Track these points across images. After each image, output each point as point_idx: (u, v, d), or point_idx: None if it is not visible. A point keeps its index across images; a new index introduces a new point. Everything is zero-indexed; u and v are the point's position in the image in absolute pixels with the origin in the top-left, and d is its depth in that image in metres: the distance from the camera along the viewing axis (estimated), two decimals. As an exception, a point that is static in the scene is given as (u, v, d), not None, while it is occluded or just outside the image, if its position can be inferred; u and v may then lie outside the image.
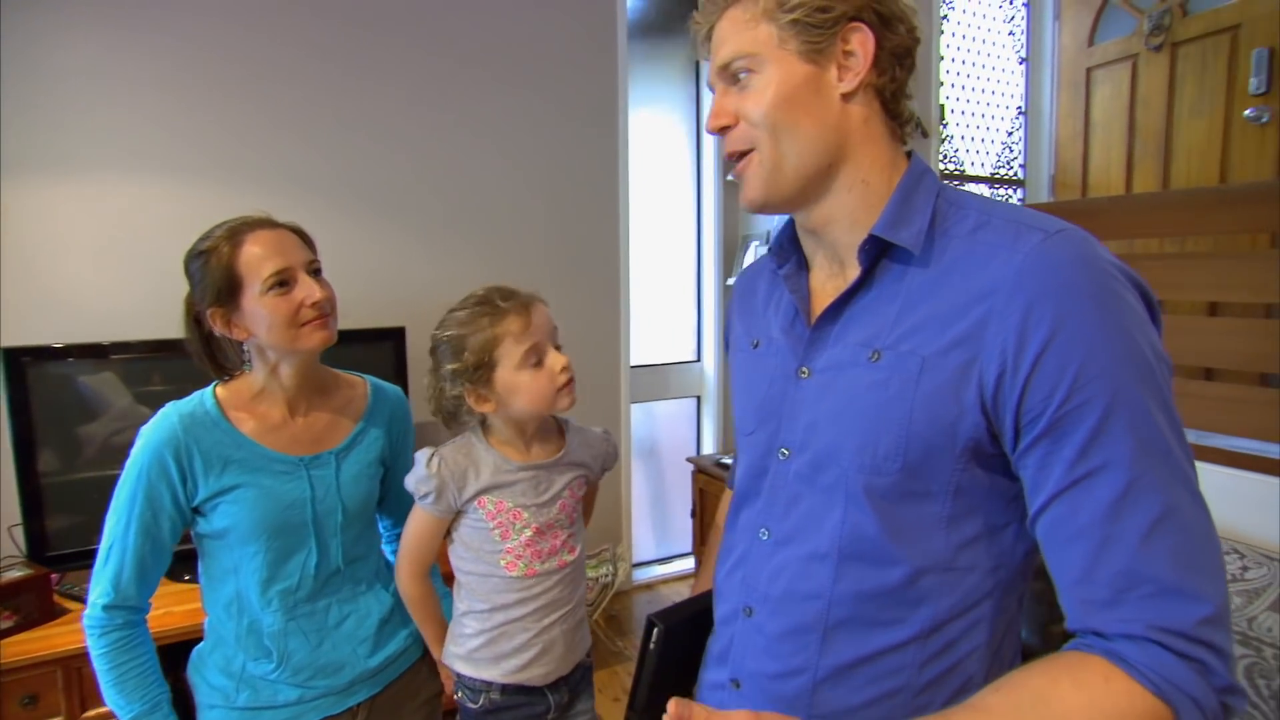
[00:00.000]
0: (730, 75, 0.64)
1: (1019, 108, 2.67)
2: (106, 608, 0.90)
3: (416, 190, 2.28)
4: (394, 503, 1.14)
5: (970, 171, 2.63)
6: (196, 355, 0.99)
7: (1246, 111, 2.03)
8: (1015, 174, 2.73)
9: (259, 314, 0.91)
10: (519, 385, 0.94)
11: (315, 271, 0.96)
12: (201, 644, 1.02)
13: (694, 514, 2.78)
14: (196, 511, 0.95)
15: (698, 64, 2.95)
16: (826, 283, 0.69)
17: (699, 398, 3.17)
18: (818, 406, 0.65)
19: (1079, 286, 0.52)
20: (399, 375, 2.07)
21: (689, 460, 2.80)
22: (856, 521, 0.61)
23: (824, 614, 0.63)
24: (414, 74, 2.23)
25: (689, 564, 2.98)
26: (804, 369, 0.67)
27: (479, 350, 0.93)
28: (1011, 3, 2.69)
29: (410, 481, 0.97)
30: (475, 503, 0.96)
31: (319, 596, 1.00)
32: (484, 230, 2.40)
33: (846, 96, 0.62)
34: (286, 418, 1.00)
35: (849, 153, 0.63)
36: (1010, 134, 2.72)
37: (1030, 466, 0.55)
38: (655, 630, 0.78)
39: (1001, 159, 2.72)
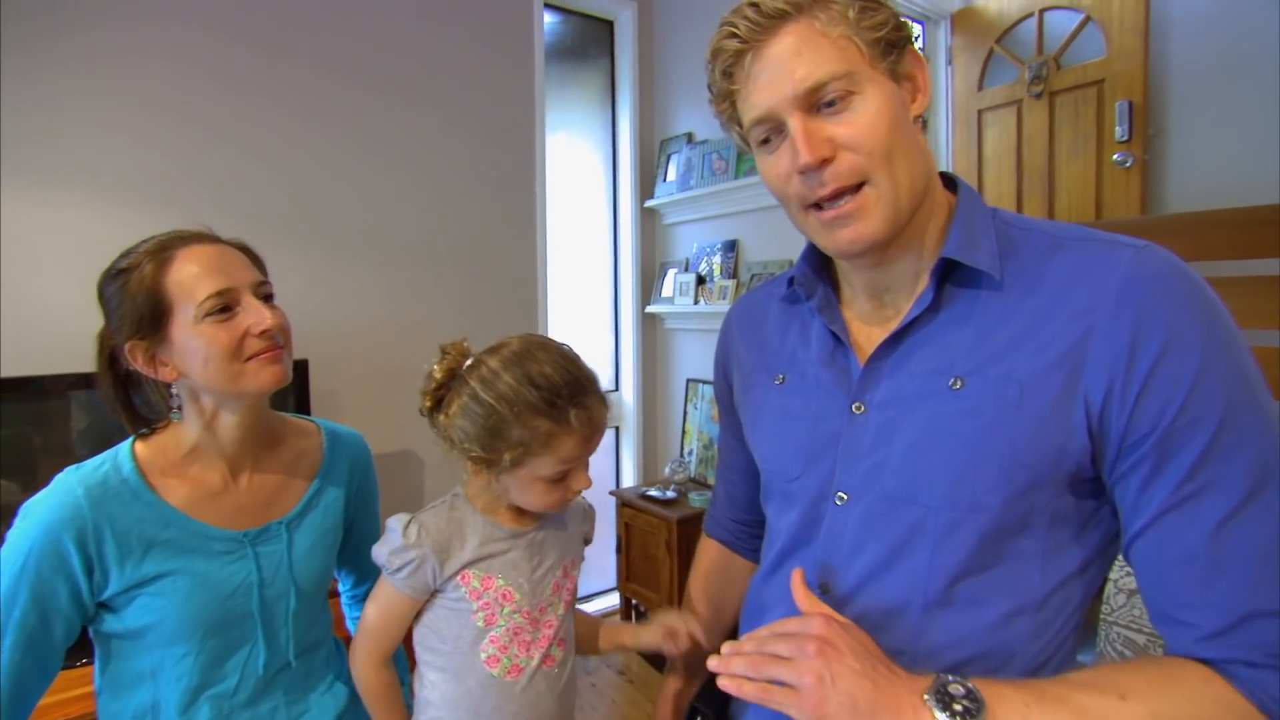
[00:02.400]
0: (816, 100, 0.57)
1: (918, 144, 2.91)
2: None
3: (322, 217, 2.15)
4: (354, 557, 1.00)
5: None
6: (109, 402, 0.82)
7: (1114, 156, 2.32)
8: (916, 206, 2.97)
9: (192, 346, 0.76)
10: (530, 490, 0.81)
11: (265, 296, 0.82)
12: None
13: (619, 549, 2.74)
14: (103, 606, 0.77)
15: (614, 89, 2.99)
16: (870, 313, 0.67)
17: (617, 428, 3.16)
18: (887, 444, 0.61)
19: (1186, 298, 0.52)
20: (301, 408, 1.92)
21: (611, 493, 2.77)
22: (947, 564, 0.57)
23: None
24: (322, 95, 2.12)
25: (613, 599, 2.93)
26: (859, 404, 0.63)
27: (518, 450, 0.77)
28: (909, 47, 2.96)
29: (381, 552, 0.82)
30: (458, 578, 0.82)
31: (262, 699, 0.84)
32: (395, 259, 2.29)
33: (915, 119, 0.61)
34: (227, 481, 0.83)
35: (931, 176, 0.62)
36: (911, 169, 2.96)
37: (1133, 486, 0.53)
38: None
39: (904, 192, 2.94)
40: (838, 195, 0.58)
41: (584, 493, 0.98)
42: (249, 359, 0.78)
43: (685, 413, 2.90)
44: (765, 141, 0.62)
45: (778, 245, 2.45)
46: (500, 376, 0.78)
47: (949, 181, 0.66)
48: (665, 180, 2.90)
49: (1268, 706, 0.47)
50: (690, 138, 2.79)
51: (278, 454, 0.89)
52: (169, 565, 0.77)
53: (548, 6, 2.66)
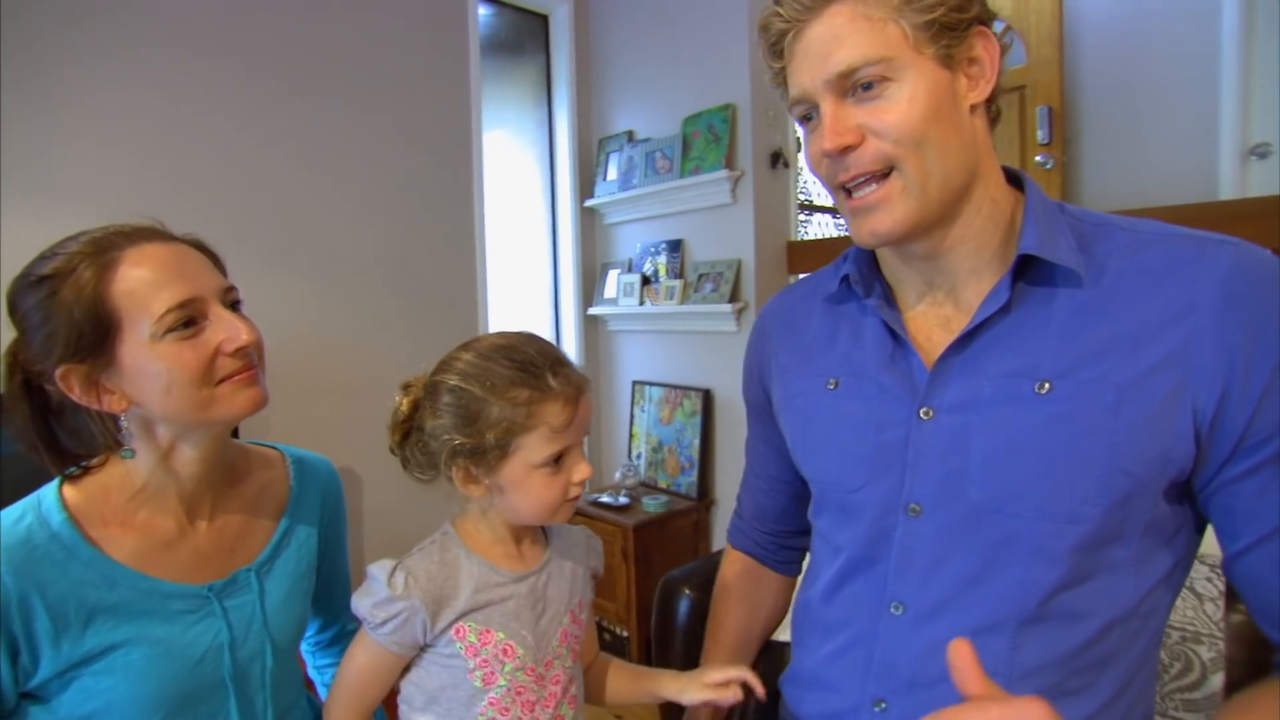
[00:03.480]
0: (851, 84, 0.56)
1: (851, 145, 2.99)
2: None
3: (243, 222, 1.99)
4: (323, 598, 0.88)
5: (818, 202, 2.89)
6: (25, 439, 0.66)
7: (1037, 157, 2.46)
8: (851, 206, 3.05)
9: (151, 371, 0.63)
10: (528, 486, 0.72)
11: (233, 304, 0.70)
12: None
13: (569, 559, 2.67)
14: (30, 697, 0.64)
15: (549, 84, 2.92)
16: (926, 312, 0.64)
17: (561, 434, 3.09)
18: (963, 451, 0.58)
19: None
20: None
21: (560, 502, 2.71)
22: (1040, 579, 0.55)
23: None
24: (242, 93, 1.96)
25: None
26: (926, 409, 0.60)
27: (501, 428, 0.70)
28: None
29: (363, 605, 0.71)
30: (451, 632, 0.72)
31: None
32: (323, 264, 2.15)
33: (974, 107, 0.58)
34: (183, 526, 0.71)
35: (980, 169, 0.59)
36: (847, 169, 3.03)
37: (1248, 492, 0.52)
38: None
39: (841, 192, 3.02)
40: (863, 180, 0.58)
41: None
42: (221, 382, 0.66)
43: (632, 415, 2.86)
44: (807, 119, 0.61)
45: (725, 244, 2.45)
46: (473, 362, 0.72)
47: (1013, 178, 0.64)
48: (605, 179, 2.86)
49: None
50: (631, 136, 2.76)
51: (239, 490, 0.77)
52: (119, 635, 0.64)
53: (481, -2, 2.57)
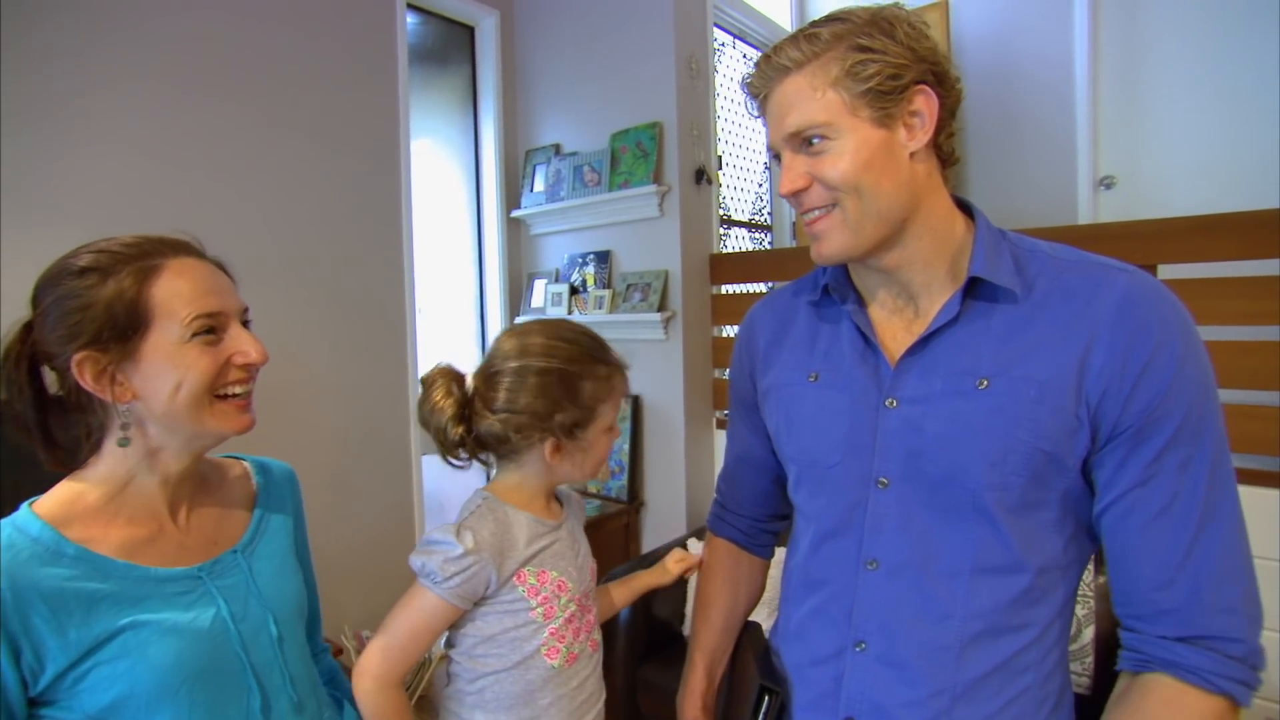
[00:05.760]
0: (800, 140, 0.69)
1: (764, 163, 3.21)
2: None
3: (164, 228, 1.89)
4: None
5: (735, 217, 3.07)
6: (22, 424, 0.69)
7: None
8: (765, 220, 3.26)
9: (167, 369, 0.68)
10: (596, 448, 0.89)
11: (245, 324, 0.77)
12: None
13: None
14: (40, 703, 0.63)
15: (475, 95, 2.95)
16: (892, 317, 0.75)
17: (487, 442, 3.10)
18: (919, 434, 0.69)
19: (1167, 318, 0.64)
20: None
21: (491, 510, 2.73)
22: (986, 535, 0.67)
23: (960, 630, 0.67)
24: (163, 96, 1.88)
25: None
26: (891, 400, 0.72)
27: (595, 400, 0.86)
28: (756, 75, 3.26)
29: (432, 561, 0.80)
30: (513, 579, 0.83)
31: None
32: (249, 271, 2.07)
33: (914, 155, 0.68)
34: (163, 522, 0.74)
35: (919, 204, 0.69)
36: (761, 185, 3.24)
37: (1107, 466, 0.65)
38: (769, 699, 0.76)
39: (755, 207, 3.22)
40: (816, 212, 0.71)
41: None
42: (222, 396, 0.72)
43: (561, 423, 2.93)
44: (778, 157, 0.74)
45: (652, 256, 2.58)
46: (554, 345, 0.86)
47: (966, 208, 0.76)
48: (531, 190, 2.92)
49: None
50: (558, 149, 2.84)
51: (207, 488, 0.81)
52: (123, 619, 0.65)
53: (409, 7, 2.57)
